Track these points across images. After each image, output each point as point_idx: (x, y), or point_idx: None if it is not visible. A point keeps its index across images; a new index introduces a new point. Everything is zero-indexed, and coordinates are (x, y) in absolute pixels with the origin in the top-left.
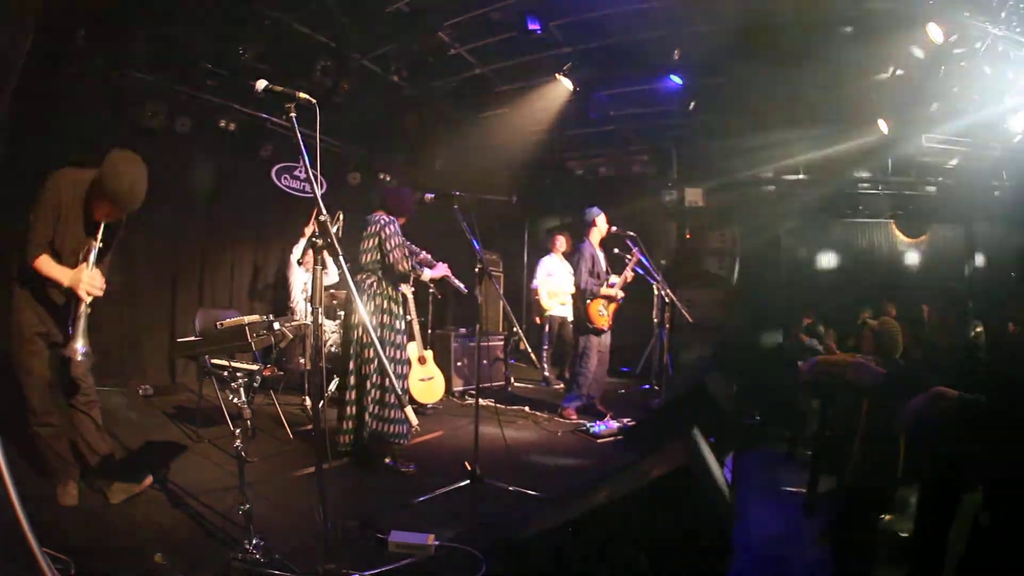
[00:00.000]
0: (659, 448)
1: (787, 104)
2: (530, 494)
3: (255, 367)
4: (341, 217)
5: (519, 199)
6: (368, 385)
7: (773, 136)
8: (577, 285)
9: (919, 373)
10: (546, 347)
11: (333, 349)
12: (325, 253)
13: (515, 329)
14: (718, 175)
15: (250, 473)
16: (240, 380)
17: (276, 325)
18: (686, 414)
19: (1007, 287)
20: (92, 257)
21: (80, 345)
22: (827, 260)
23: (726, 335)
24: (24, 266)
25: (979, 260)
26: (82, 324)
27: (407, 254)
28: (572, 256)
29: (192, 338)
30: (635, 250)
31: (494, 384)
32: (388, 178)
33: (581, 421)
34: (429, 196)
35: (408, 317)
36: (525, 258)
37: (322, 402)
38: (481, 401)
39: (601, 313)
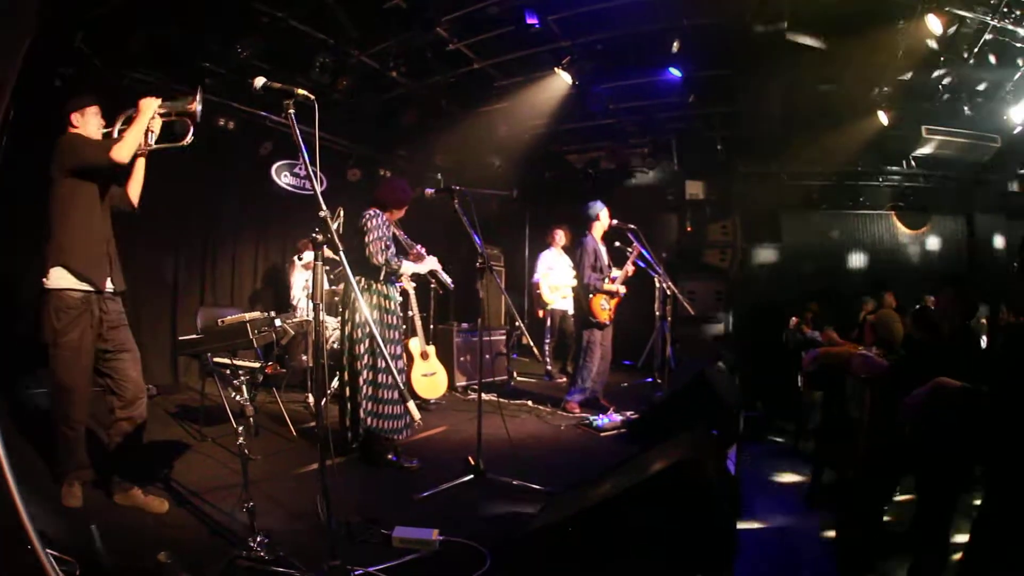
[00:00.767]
0: (663, 441)
1: (787, 95)
2: (534, 488)
3: (257, 365)
4: (342, 213)
5: (519, 193)
6: (360, 381)
7: (774, 127)
8: (580, 280)
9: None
10: (548, 341)
11: (335, 346)
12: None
13: (517, 323)
14: (719, 167)
15: (254, 471)
16: (242, 378)
17: (277, 322)
18: (689, 407)
19: (1008, 278)
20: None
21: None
22: (829, 252)
23: (728, 327)
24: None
25: (980, 251)
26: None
27: (383, 248)
28: (571, 250)
29: (194, 336)
30: (635, 244)
31: (497, 379)
32: (388, 174)
33: (584, 415)
34: (429, 191)
35: (410, 312)
36: (526, 252)
37: (324, 399)
38: (484, 396)
39: (603, 307)
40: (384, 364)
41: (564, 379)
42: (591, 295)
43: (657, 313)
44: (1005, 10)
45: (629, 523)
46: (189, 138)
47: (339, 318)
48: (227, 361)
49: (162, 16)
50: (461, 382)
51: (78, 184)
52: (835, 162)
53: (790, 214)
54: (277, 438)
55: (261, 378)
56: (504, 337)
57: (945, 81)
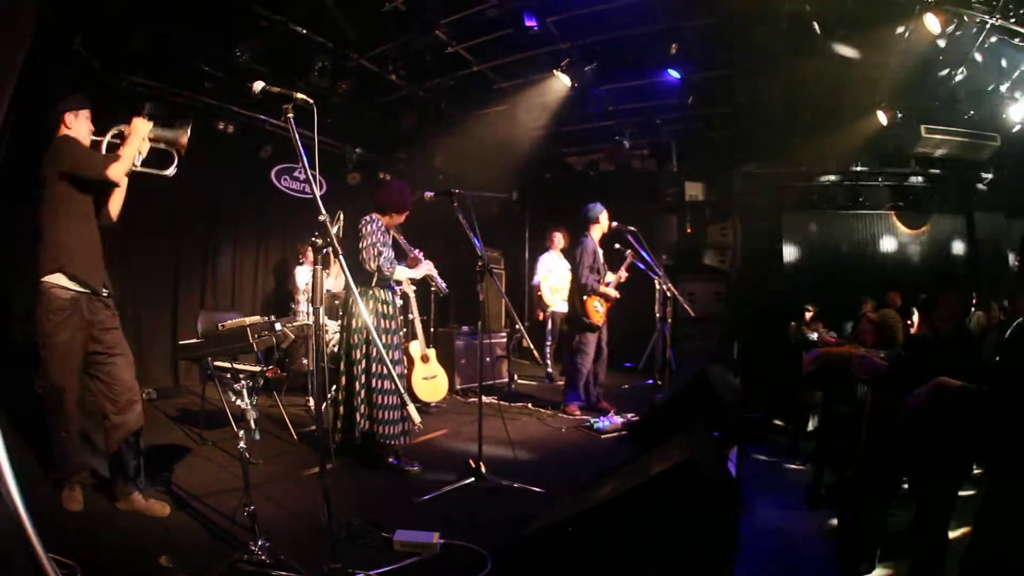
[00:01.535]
0: (663, 443)
1: (786, 96)
2: (535, 491)
3: (258, 368)
4: (341, 217)
5: (519, 196)
6: (357, 386)
7: (772, 128)
8: (577, 279)
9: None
10: (549, 343)
11: (336, 349)
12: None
13: (517, 326)
14: (718, 169)
15: (254, 474)
16: (243, 382)
17: (278, 326)
18: (690, 408)
19: (1008, 276)
20: None
21: None
22: (828, 252)
23: (728, 328)
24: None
25: (979, 249)
26: None
27: (376, 254)
28: (569, 252)
29: (194, 340)
30: (628, 250)
31: (497, 381)
32: (388, 177)
33: (585, 417)
34: (429, 195)
35: (410, 316)
36: (526, 254)
37: (325, 403)
38: (484, 399)
39: (597, 309)
40: (382, 370)
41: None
42: (586, 296)
43: (657, 315)
44: (1002, 8)
45: (630, 525)
46: (173, 170)
47: (340, 322)
48: (228, 365)
49: (161, 19)
50: (461, 385)
51: (72, 187)
52: (835, 162)
53: (790, 215)
54: (278, 441)
55: (262, 382)
56: (504, 340)
57: (944, 80)
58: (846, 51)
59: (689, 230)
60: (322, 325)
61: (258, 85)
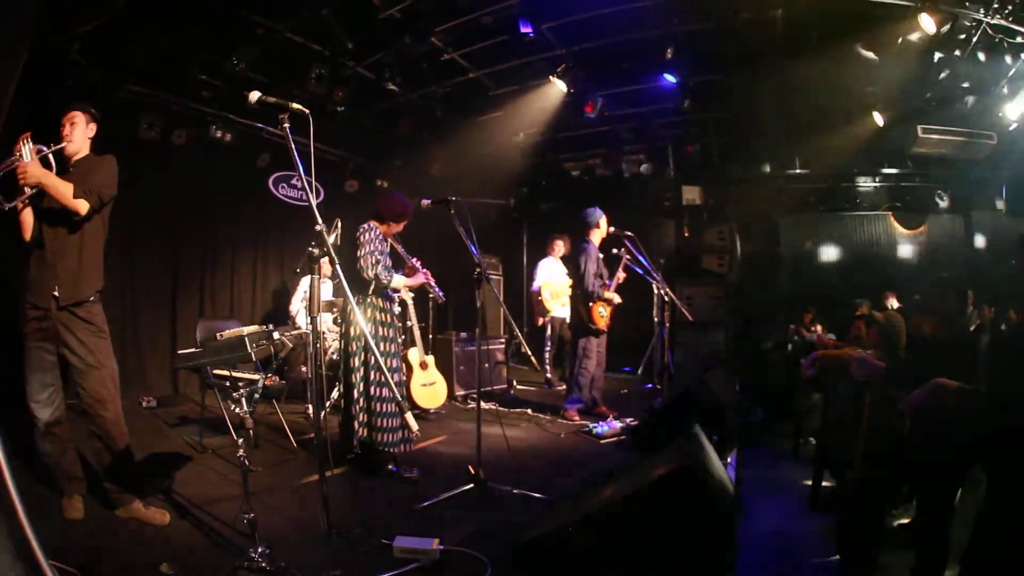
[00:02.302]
0: (662, 447)
1: (782, 99)
2: (534, 496)
3: (257, 377)
4: (339, 225)
5: (516, 202)
6: (355, 394)
7: (769, 131)
8: (583, 286)
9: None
10: (548, 349)
11: (335, 356)
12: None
13: (515, 332)
14: (715, 172)
15: (254, 482)
16: (242, 390)
17: (276, 335)
18: (689, 413)
19: (1006, 276)
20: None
21: None
22: (826, 254)
23: (727, 332)
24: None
25: (978, 249)
26: None
27: (374, 262)
28: (569, 259)
29: (192, 350)
30: (623, 253)
31: (496, 388)
32: (385, 184)
33: (584, 422)
34: (426, 202)
35: (409, 323)
36: (524, 260)
37: (324, 410)
38: (483, 405)
39: (602, 314)
40: (380, 377)
41: (564, 387)
42: (592, 302)
43: (656, 319)
44: (997, 6)
45: (630, 529)
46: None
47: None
48: (226, 374)
49: (158, 28)
50: (460, 391)
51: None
52: (831, 164)
53: (787, 217)
54: (277, 449)
55: (261, 390)
56: (503, 346)
57: (940, 80)
58: (868, 54)
59: (687, 234)
60: (321, 333)
61: (254, 95)
